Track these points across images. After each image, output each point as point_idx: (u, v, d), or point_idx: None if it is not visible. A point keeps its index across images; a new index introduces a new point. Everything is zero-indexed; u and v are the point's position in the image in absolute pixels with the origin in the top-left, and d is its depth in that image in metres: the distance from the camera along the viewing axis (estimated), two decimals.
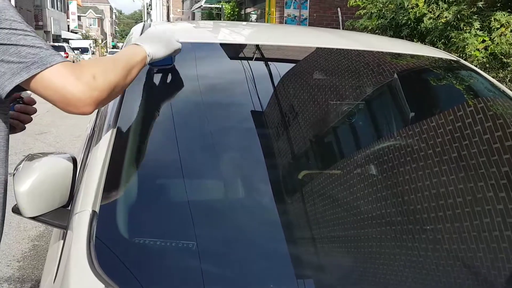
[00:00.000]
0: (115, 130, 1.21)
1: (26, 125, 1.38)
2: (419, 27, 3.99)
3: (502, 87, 1.89)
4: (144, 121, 1.35)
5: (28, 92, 1.16)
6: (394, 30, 4.25)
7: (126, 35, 2.09)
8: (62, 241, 1.14)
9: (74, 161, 1.22)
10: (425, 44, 3.90)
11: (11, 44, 0.95)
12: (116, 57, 1.15)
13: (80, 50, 28.61)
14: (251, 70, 1.66)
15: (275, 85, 1.65)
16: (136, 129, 1.30)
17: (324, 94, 1.69)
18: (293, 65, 1.90)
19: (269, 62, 1.79)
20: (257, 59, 1.82)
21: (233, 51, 1.83)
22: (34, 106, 1.37)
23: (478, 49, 3.50)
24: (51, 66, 0.96)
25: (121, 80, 1.09)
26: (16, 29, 0.96)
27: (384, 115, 1.76)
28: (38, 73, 0.95)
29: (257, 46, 1.90)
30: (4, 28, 0.95)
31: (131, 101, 1.35)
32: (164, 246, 0.96)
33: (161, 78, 1.49)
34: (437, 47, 3.79)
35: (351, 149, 1.57)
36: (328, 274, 0.98)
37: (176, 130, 1.32)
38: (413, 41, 4.08)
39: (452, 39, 3.67)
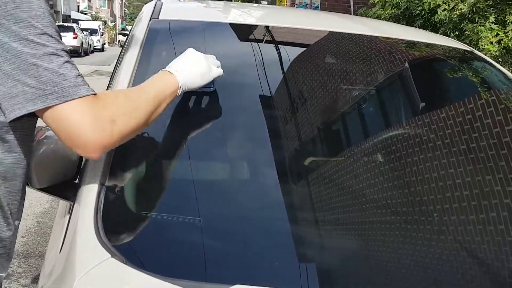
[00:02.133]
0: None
1: None
2: (432, 18, 3.95)
3: None
4: None
5: None
6: (407, 20, 4.21)
7: (136, 18, 2.07)
8: (68, 216, 1.14)
9: None
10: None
11: (33, 64, 0.82)
12: (144, 89, 1.01)
13: (89, 31, 28.53)
14: (260, 51, 1.66)
15: (284, 67, 1.65)
16: None
17: (331, 79, 1.68)
18: (303, 48, 1.89)
19: (278, 44, 1.78)
20: (267, 40, 1.81)
21: (244, 31, 1.83)
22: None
23: (491, 43, 3.46)
24: (71, 100, 0.83)
25: (144, 122, 0.96)
26: (44, 45, 0.83)
27: (393, 103, 1.74)
28: (54, 105, 0.83)
29: (267, 27, 1.89)
30: (32, 41, 0.82)
31: (141, 77, 1.34)
32: (169, 220, 0.97)
33: (169, 55, 1.49)
34: None
35: (357, 135, 1.57)
36: (330, 255, 0.99)
37: (184, 110, 1.32)
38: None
39: (466, 32, 3.64)
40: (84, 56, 21.78)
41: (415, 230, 1.10)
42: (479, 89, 1.87)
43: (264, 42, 1.80)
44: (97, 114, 0.86)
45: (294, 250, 0.99)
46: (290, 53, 1.75)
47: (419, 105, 1.71)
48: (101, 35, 33.79)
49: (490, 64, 1.96)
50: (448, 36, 3.83)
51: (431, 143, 1.44)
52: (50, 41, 0.84)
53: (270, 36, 1.86)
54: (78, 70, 0.88)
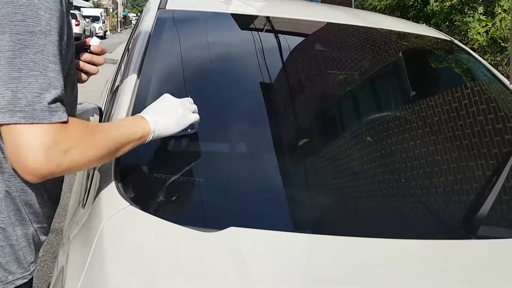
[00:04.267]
0: (137, 84, 1.39)
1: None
2: (425, 9, 4.12)
3: (492, 68, 2.04)
4: (162, 80, 1.53)
5: (97, 40, 1.21)
6: (401, 11, 4.37)
7: (137, 6, 2.18)
8: (86, 182, 1.33)
9: (100, 110, 1.41)
10: (430, 26, 4.02)
11: (15, 78, 0.80)
12: (114, 128, 1.01)
13: (91, 18, 28.57)
14: (265, 41, 1.78)
15: (285, 56, 1.79)
16: (154, 87, 1.47)
17: (317, 66, 1.86)
18: (293, 37, 2.04)
19: (280, 34, 1.93)
20: (272, 31, 1.94)
21: (249, 22, 1.95)
22: (102, 56, 1.23)
23: (479, 33, 3.63)
24: (36, 124, 0.81)
25: (98, 159, 0.95)
26: (36, 63, 0.81)
27: (374, 89, 1.91)
28: (11, 123, 0.81)
29: (272, 18, 2.01)
30: (25, 56, 0.81)
31: (152, 61, 1.51)
32: (176, 179, 1.16)
33: (176, 44, 1.66)
34: (441, 30, 3.91)
35: (344, 118, 1.74)
36: (313, 211, 1.17)
37: (189, 90, 1.49)
38: (418, 22, 4.21)
39: (456, 22, 3.80)
40: None
41: (394, 193, 1.29)
42: (458, 77, 2.04)
43: (269, 32, 1.93)
44: (53, 143, 0.83)
45: (289, 209, 1.18)
46: (291, 42, 1.91)
47: (398, 90, 1.89)
48: (103, 23, 33.80)
49: (469, 53, 2.13)
50: (439, 27, 4.00)
51: (409, 123, 1.63)
52: (43, 60, 0.82)
53: (274, 27, 1.98)
54: (61, 93, 0.85)
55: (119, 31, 47.88)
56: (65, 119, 0.85)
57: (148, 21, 1.72)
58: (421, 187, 1.28)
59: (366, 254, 0.96)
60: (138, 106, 1.30)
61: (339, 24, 2.05)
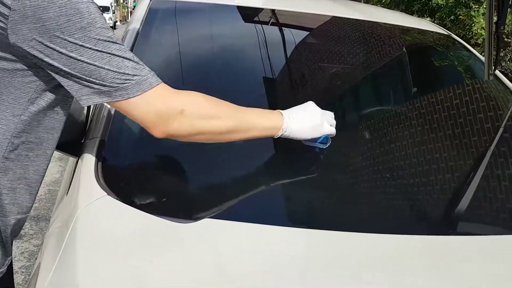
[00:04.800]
0: None
1: None
2: (430, 3, 4.08)
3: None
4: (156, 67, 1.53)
5: None
6: (406, 4, 4.34)
7: None
8: (73, 170, 1.34)
9: None
10: (434, 20, 3.98)
11: (94, 69, 0.88)
12: (242, 109, 1.04)
13: (101, 8, 28.59)
14: (264, 34, 1.79)
15: (279, 47, 1.77)
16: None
17: (312, 58, 1.85)
18: (293, 30, 2.03)
19: (278, 26, 1.92)
20: (272, 23, 1.93)
21: (248, 14, 1.94)
22: None
23: (483, 28, 3.59)
24: (135, 96, 0.91)
25: (217, 133, 1.00)
26: (102, 51, 0.87)
27: (369, 83, 1.89)
28: (120, 100, 0.91)
29: (272, 11, 2.01)
30: (90, 49, 0.87)
31: (143, 46, 1.51)
32: (156, 172, 1.16)
33: (166, 34, 1.66)
34: (445, 24, 3.88)
35: (338, 111, 1.73)
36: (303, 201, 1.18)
37: (185, 78, 1.48)
38: (423, 16, 4.17)
39: (460, 17, 3.77)
40: None
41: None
42: (454, 72, 2.03)
43: (262, 24, 1.94)
44: (165, 103, 0.93)
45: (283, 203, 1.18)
46: (287, 34, 1.89)
47: (394, 85, 1.88)
48: (113, 13, 33.83)
49: (467, 48, 2.11)
50: (444, 21, 3.96)
51: (403, 120, 1.62)
52: (105, 46, 0.88)
53: (266, 18, 2.00)
54: (138, 62, 0.92)
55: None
56: (157, 82, 0.94)
57: (140, 11, 1.72)
58: (418, 185, 1.27)
59: (342, 247, 0.96)
60: None
61: (334, 16, 2.03)
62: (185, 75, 1.52)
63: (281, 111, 1.10)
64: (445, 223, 1.15)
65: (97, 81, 0.88)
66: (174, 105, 0.95)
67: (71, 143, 1.31)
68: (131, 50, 1.49)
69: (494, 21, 1.04)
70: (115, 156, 1.18)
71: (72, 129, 1.32)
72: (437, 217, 1.19)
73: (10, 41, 0.84)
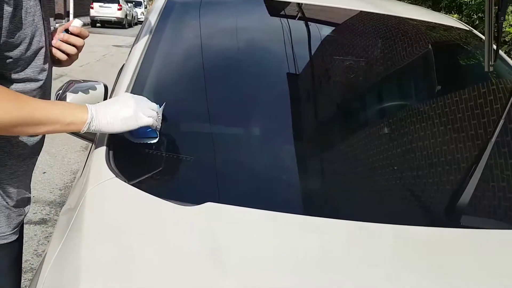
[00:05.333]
0: (140, 63, 1.43)
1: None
2: None
3: (508, 60, 1.99)
4: (169, 59, 1.56)
5: (79, 22, 1.24)
6: (433, 1, 4.27)
7: None
8: (87, 156, 1.39)
9: (105, 88, 1.47)
10: (461, 17, 3.92)
11: None
12: (35, 102, 1.01)
13: (134, 3, 28.96)
14: (287, 27, 1.78)
15: (305, 43, 1.79)
16: (156, 66, 1.51)
17: (337, 53, 1.85)
18: (319, 25, 2.03)
19: (304, 21, 1.93)
20: (295, 17, 1.95)
21: (275, 7, 1.95)
22: (83, 39, 1.24)
23: (511, 25, 3.52)
24: None
25: (8, 125, 0.94)
26: None
27: (389, 77, 1.89)
28: None
29: (298, 4, 2.00)
30: None
31: (153, 49, 1.54)
32: (165, 156, 1.20)
33: (182, 27, 1.69)
34: (473, 21, 3.81)
35: (345, 106, 1.73)
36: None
37: (187, 70, 1.51)
38: (451, 13, 4.11)
39: None
40: (127, 28, 22.26)
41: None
42: (474, 67, 2.00)
43: (281, 17, 1.95)
44: None
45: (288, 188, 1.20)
46: (312, 28, 1.89)
47: (413, 78, 1.87)
48: (145, 8, 34.21)
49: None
50: (471, 18, 3.89)
51: (421, 112, 1.61)
52: None
53: (286, 12, 2.00)
54: None
55: None
56: None
57: (158, 3, 1.76)
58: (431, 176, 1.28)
59: (335, 235, 0.98)
60: (138, 83, 1.34)
61: (350, 10, 2.03)
62: (200, 68, 1.54)
63: (88, 104, 1.05)
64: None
65: None
66: None
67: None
68: (145, 44, 1.53)
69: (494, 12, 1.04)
70: (125, 141, 1.22)
71: None
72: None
73: None
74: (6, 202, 1.11)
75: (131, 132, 1.12)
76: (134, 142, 1.17)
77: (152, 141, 1.15)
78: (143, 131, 1.12)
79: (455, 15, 4.02)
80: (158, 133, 1.16)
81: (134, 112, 1.08)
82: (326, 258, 0.91)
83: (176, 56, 1.57)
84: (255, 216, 0.99)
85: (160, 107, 1.15)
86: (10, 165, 1.10)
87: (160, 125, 1.14)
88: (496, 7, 1.07)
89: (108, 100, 1.13)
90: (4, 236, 1.12)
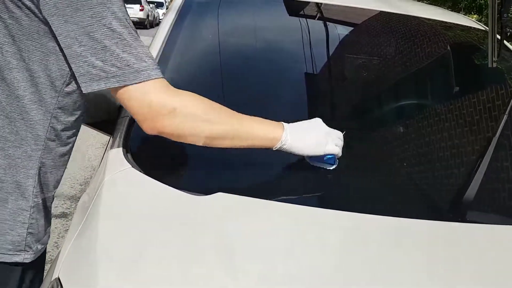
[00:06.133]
0: (157, 61, 1.47)
1: None
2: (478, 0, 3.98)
3: None
4: (186, 57, 1.61)
5: None
6: (452, 1, 4.24)
7: None
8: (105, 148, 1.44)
9: None
10: (481, 18, 3.89)
11: (101, 48, 0.88)
12: (240, 117, 1.02)
13: (155, 4, 29.20)
14: (308, 27, 1.80)
15: (323, 43, 1.80)
16: (176, 62, 1.55)
17: (356, 53, 1.87)
18: (337, 25, 2.04)
19: (323, 21, 1.95)
20: (318, 18, 1.96)
21: (294, 7, 1.97)
22: None
23: None
24: (131, 84, 0.90)
25: (210, 138, 0.99)
26: (113, 30, 0.88)
27: (408, 77, 1.90)
28: (117, 87, 0.91)
29: (317, 4, 2.01)
30: (104, 26, 0.87)
31: (172, 42, 1.59)
32: (181, 148, 1.24)
33: (204, 27, 1.73)
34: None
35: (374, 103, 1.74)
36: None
37: (214, 69, 1.55)
38: (470, 13, 4.08)
39: (510, 15, 3.65)
40: (149, 28, 22.46)
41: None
42: (493, 68, 1.99)
43: (299, 17, 1.97)
44: (159, 99, 0.92)
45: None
46: (331, 28, 1.90)
47: (428, 77, 1.88)
48: (167, 9, 34.43)
49: (504, 45, 2.07)
50: None
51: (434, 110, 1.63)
52: (118, 27, 0.88)
53: (309, 11, 2.01)
54: (145, 52, 0.92)
55: None
56: (159, 76, 0.94)
57: (177, 2, 1.81)
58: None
59: (347, 227, 1.00)
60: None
61: (369, 10, 2.05)
62: (218, 67, 1.58)
63: (284, 123, 1.07)
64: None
65: (99, 63, 0.88)
66: (168, 102, 0.94)
67: (107, 122, 1.42)
68: (165, 37, 1.58)
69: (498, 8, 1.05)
70: (142, 134, 1.26)
71: (108, 109, 1.43)
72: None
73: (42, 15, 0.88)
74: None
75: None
76: (151, 136, 1.21)
77: (330, 168, 1.15)
78: (325, 157, 1.12)
79: (475, 16, 3.99)
80: (337, 160, 1.15)
81: (325, 140, 1.10)
82: (341, 251, 0.94)
83: (193, 54, 1.61)
84: (265, 207, 1.02)
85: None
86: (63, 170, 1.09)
87: (341, 153, 1.14)
88: (500, 5, 1.08)
89: (303, 121, 1.11)
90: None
